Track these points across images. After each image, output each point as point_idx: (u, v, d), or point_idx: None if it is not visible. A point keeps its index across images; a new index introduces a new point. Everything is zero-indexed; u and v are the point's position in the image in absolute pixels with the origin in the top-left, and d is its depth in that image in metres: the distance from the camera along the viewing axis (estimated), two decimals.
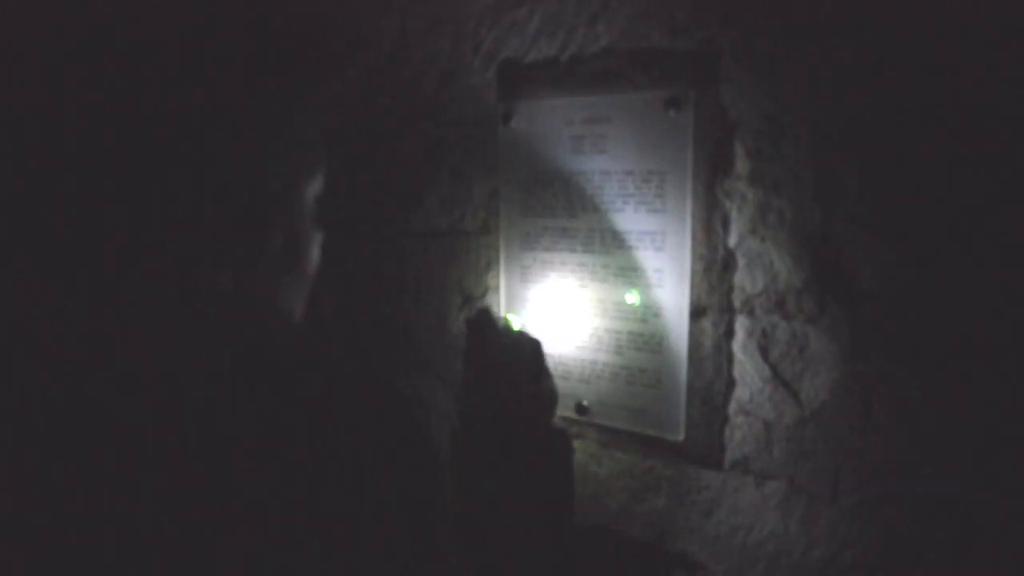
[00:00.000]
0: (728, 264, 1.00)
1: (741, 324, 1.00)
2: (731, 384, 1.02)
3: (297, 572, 0.58)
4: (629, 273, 1.08)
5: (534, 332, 1.01)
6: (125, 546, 0.56)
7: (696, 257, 1.02)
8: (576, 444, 1.18)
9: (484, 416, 0.92)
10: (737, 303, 1.00)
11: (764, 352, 0.99)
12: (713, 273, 1.01)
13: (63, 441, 0.58)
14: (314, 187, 0.72)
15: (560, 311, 1.16)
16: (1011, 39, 0.78)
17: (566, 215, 1.14)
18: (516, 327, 1.02)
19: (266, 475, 0.58)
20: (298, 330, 0.73)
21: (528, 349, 0.97)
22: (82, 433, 0.57)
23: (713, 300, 1.02)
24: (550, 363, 1.16)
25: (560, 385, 1.15)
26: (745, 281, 0.99)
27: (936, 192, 0.85)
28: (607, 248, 1.10)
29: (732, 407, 1.02)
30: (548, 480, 0.89)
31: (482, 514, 0.84)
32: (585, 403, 1.15)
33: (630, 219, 1.07)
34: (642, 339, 1.08)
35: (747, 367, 1.00)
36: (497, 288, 1.23)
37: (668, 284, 1.05)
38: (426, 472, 0.68)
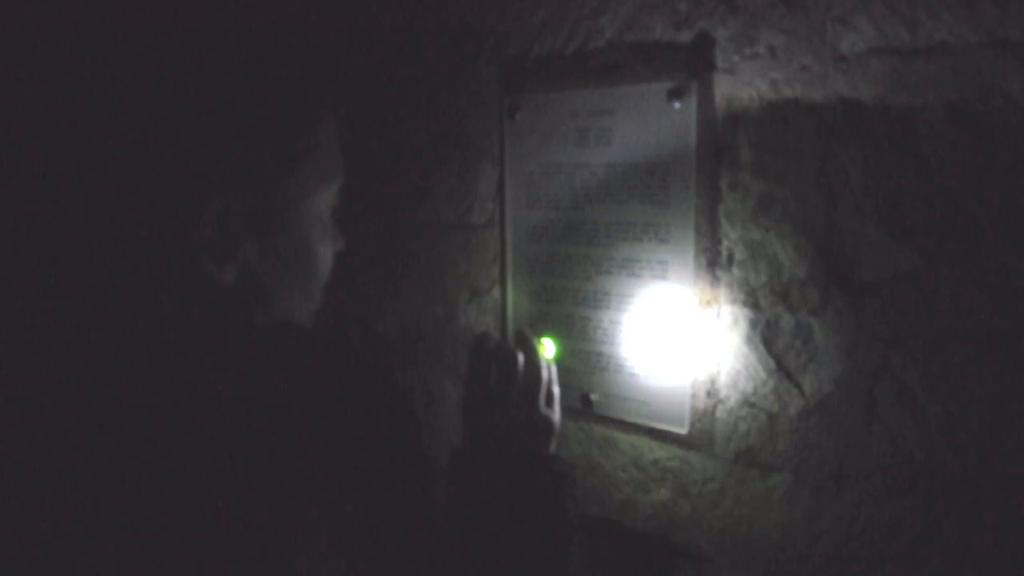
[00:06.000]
0: (732, 256, 1.00)
1: (745, 316, 1.00)
2: (735, 376, 1.01)
3: (290, 567, 0.59)
4: (633, 265, 1.08)
5: (541, 359, 0.92)
6: (125, 547, 0.56)
7: (700, 249, 1.02)
8: (581, 436, 1.18)
9: (479, 441, 0.88)
10: (741, 295, 1.00)
11: (768, 344, 0.98)
12: (717, 265, 1.01)
13: (60, 440, 0.58)
14: (329, 195, 0.70)
15: (565, 304, 1.16)
16: None
17: (571, 208, 1.14)
18: (542, 351, 0.93)
19: (260, 471, 0.58)
20: (303, 333, 0.72)
21: (531, 376, 0.90)
22: (80, 432, 0.58)
23: (717, 292, 1.01)
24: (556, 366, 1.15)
25: (565, 378, 1.16)
26: (749, 273, 0.99)
27: (941, 180, 0.84)
28: (612, 240, 1.10)
29: (736, 399, 1.02)
30: (539, 517, 0.82)
31: (474, 544, 0.80)
32: (591, 396, 1.15)
33: (634, 211, 1.07)
34: (646, 331, 1.08)
35: (751, 359, 1.00)
36: (504, 281, 1.24)
37: (672, 276, 1.05)
38: (422, 469, 0.68)
